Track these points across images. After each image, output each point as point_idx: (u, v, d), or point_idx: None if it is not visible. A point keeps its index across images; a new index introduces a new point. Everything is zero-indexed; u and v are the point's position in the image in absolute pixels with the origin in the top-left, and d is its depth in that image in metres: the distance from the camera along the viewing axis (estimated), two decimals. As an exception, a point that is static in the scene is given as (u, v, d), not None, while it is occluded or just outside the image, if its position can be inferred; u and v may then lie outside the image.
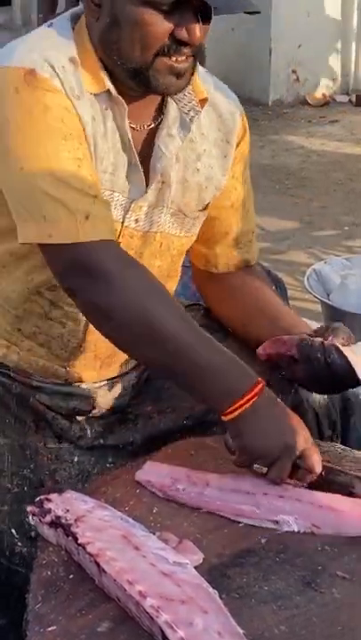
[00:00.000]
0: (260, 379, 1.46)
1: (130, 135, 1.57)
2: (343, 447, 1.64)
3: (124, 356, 1.73)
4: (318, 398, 1.72)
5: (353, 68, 7.53)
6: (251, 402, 1.42)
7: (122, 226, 1.61)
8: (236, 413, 1.42)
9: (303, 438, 1.43)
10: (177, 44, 1.46)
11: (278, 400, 1.48)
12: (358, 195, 5.29)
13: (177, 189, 1.64)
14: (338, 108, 7.28)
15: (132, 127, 1.58)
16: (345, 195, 5.31)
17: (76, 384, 1.74)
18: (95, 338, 1.63)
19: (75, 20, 1.57)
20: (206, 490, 1.43)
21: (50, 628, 1.25)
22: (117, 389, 1.77)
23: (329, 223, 4.82)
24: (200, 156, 1.65)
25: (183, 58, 1.48)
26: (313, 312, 3.34)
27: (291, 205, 5.13)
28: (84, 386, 1.74)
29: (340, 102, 7.42)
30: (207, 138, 1.66)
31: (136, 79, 1.51)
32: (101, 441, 1.76)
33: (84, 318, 1.62)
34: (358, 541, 1.38)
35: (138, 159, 1.58)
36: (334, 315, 3.13)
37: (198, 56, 1.54)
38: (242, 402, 1.42)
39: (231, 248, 1.79)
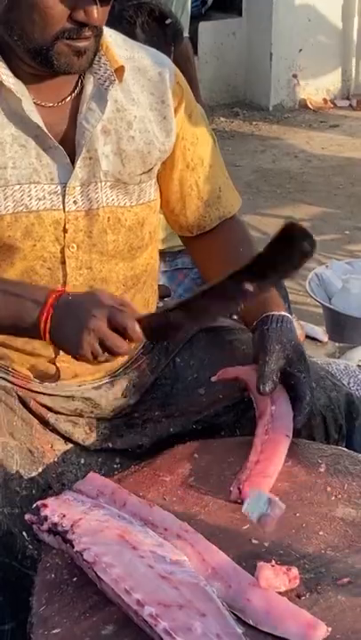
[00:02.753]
0: (50, 291, 1.52)
1: (40, 122, 1.56)
2: (348, 451, 1.64)
3: None
4: (324, 402, 1.72)
5: (353, 72, 7.53)
6: (48, 317, 1.49)
7: (64, 212, 1.61)
8: (47, 335, 1.50)
9: (102, 306, 1.47)
10: (76, 25, 1.48)
11: (74, 295, 1.53)
12: (359, 199, 5.30)
13: (114, 161, 1.63)
14: (339, 112, 7.28)
15: (48, 106, 1.59)
16: (346, 199, 5.31)
17: (75, 385, 1.74)
18: None
19: None
20: (122, 510, 1.43)
21: (54, 631, 1.25)
22: (118, 389, 1.77)
23: (330, 227, 4.82)
24: (131, 123, 1.64)
25: (84, 38, 1.50)
26: (315, 316, 3.34)
27: (292, 210, 5.14)
28: (83, 387, 1.74)
29: (341, 107, 7.42)
30: (139, 103, 1.65)
31: (37, 60, 1.52)
32: (110, 444, 1.76)
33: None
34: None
35: (55, 141, 1.58)
36: (336, 319, 3.14)
37: (100, 36, 1.55)
38: (42, 323, 1.49)
39: (200, 208, 1.78)
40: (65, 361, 1.69)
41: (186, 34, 5.29)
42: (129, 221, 1.68)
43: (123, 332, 1.47)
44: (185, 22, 5.31)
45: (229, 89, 7.22)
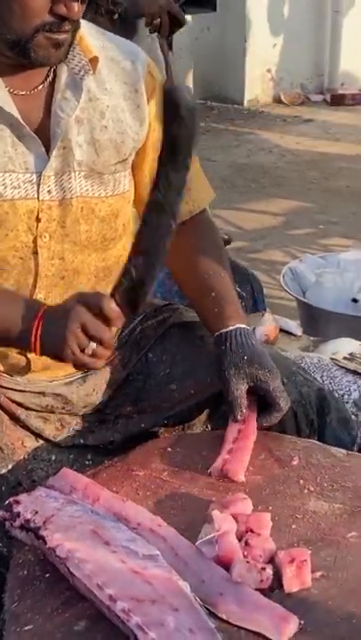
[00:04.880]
0: (39, 306, 1.55)
1: (14, 111, 1.55)
2: (321, 444, 1.65)
3: None
4: (295, 397, 1.72)
5: (327, 67, 7.57)
6: (39, 333, 1.53)
7: (38, 202, 1.61)
8: (37, 347, 1.54)
9: (76, 316, 1.50)
10: (57, 19, 1.49)
11: (55, 308, 1.56)
12: (333, 193, 5.32)
13: (88, 151, 1.63)
14: (313, 107, 7.31)
15: (21, 94, 1.58)
16: (320, 193, 5.33)
17: (46, 381, 1.73)
18: None
19: None
20: (95, 505, 1.42)
21: (26, 628, 1.24)
22: (90, 385, 1.77)
23: (304, 222, 4.84)
24: (103, 113, 1.64)
25: (63, 32, 1.51)
26: (289, 310, 3.35)
27: (266, 204, 5.15)
28: (54, 382, 1.74)
29: (315, 101, 7.45)
30: (112, 93, 1.66)
31: (15, 50, 1.52)
32: (81, 441, 1.75)
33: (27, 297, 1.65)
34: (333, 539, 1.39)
35: (30, 130, 1.58)
36: (310, 312, 3.15)
37: (77, 31, 1.56)
38: (33, 339, 1.53)
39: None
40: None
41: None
42: (103, 212, 1.68)
43: (102, 317, 1.50)
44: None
45: (204, 84, 7.22)
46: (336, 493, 1.49)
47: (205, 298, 1.73)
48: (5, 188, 1.58)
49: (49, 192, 1.61)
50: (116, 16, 3.08)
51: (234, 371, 1.61)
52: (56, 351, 1.53)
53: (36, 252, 1.62)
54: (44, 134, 1.59)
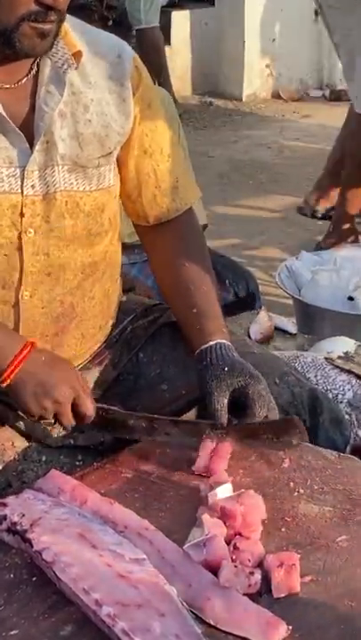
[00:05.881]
0: (28, 342, 1.59)
1: None
2: (311, 446, 1.63)
3: (72, 337, 1.74)
4: (287, 398, 1.71)
5: (327, 62, 7.54)
6: (18, 367, 1.56)
7: (22, 196, 1.59)
8: (7, 381, 1.57)
9: (74, 385, 1.58)
10: (42, 8, 1.47)
11: (47, 355, 1.61)
12: (331, 190, 5.29)
13: (71, 145, 1.62)
14: (312, 102, 7.29)
15: (4, 87, 1.57)
16: (318, 190, 5.30)
17: None
18: (29, 316, 1.66)
19: None
20: (82, 508, 1.41)
21: (12, 632, 1.23)
22: None
23: (302, 218, 4.82)
24: (87, 106, 1.63)
25: (49, 22, 1.50)
26: (285, 307, 3.34)
27: (264, 200, 5.13)
28: None
29: (314, 97, 7.43)
30: (96, 86, 1.65)
31: (0, 41, 1.51)
32: (71, 441, 1.73)
33: (12, 298, 1.65)
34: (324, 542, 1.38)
35: (13, 124, 1.57)
36: (305, 310, 3.13)
37: (62, 21, 1.55)
38: (10, 369, 1.56)
39: (157, 197, 1.77)
40: None
41: (155, 23, 5.30)
42: (88, 206, 1.67)
43: (75, 407, 1.59)
44: (154, 12, 5.30)
45: (202, 79, 7.20)
46: (326, 496, 1.47)
47: (187, 313, 1.73)
48: None
49: (32, 187, 1.59)
50: (110, 22, 3.07)
51: (215, 383, 1.61)
52: (20, 403, 1.59)
53: (20, 249, 1.61)
54: (26, 129, 1.58)
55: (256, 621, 1.22)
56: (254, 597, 1.26)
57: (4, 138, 1.57)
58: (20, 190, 1.59)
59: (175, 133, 1.84)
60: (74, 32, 1.62)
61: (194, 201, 1.84)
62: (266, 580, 1.29)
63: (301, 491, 1.49)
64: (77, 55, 1.61)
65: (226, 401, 1.61)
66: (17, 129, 1.57)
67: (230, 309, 2.81)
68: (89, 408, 1.59)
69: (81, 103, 1.63)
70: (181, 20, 7.11)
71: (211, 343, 1.67)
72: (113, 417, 1.62)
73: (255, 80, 7.25)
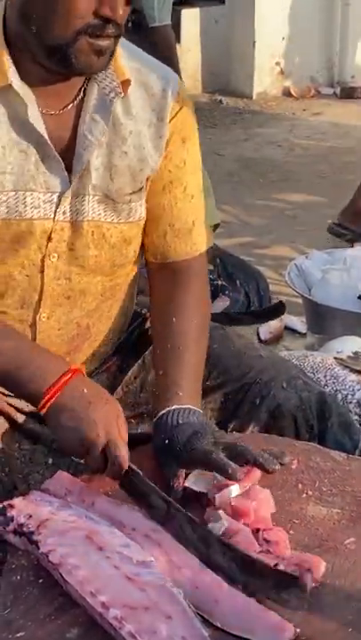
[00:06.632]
0: (71, 368, 1.50)
1: (44, 130, 1.52)
2: (320, 447, 1.62)
3: (84, 355, 1.72)
4: (295, 402, 1.70)
5: (337, 60, 7.51)
6: (55, 396, 1.48)
7: (53, 222, 1.58)
8: (45, 409, 1.49)
9: (110, 428, 1.45)
10: (101, 21, 1.44)
11: (89, 387, 1.50)
12: (342, 188, 5.26)
13: (104, 175, 1.58)
14: (322, 100, 7.26)
15: (50, 113, 1.54)
16: (329, 188, 5.29)
17: None
18: (45, 336, 1.64)
19: None
20: (90, 509, 1.40)
21: (18, 635, 1.23)
22: None
23: (313, 217, 4.80)
24: (125, 138, 1.59)
25: (107, 37, 1.46)
26: (295, 307, 3.32)
27: (274, 199, 5.12)
28: None
29: (325, 94, 7.40)
30: (137, 118, 1.60)
31: (55, 57, 1.47)
32: None
33: (30, 318, 1.63)
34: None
35: (55, 151, 1.54)
36: (315, 310, 3.12)
37: (120, 37, 1.51)
38: (47, 397, 1.48)
39: (168, 235, 1.70)
40: None
41: (168, 21, 5.29)
42: (114, 238, 1.64)
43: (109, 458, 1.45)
44: (167, 10, 5.30)
45: (212, 77, 7.18)
46: (335, 498, 1.47)
47: (157, 371, 1.65)
48: (25, 207, 1.55)
49: (64, 213, 1.58)
50: (130, 24, 3.05)
51: (163, 459, 1.52)
52: (55, 430, 1.50)
53: (42, 271, 1.60)
54: (66, 155, 1.56)
55: (263, 624, 1.22)
56: (261, 600, 1.26)
57: (44, 163, 1.54)
58: (52, 216, 1.57)
59: (203, 177, 1.76)
60: (124, 58, 1.57)
61: (205, 249, 1.76)
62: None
63: (310, 492, 1.48)
64: (125, 84, 1.56)
65: (176, 474, 1.49)
66: (58, 156, 1.54)
67: (259, 317, 2.81)
68: (122, 457, 1.44)
69: (119, 135, 1.59)
70: (191, 18, 7.09)
71: (162, 412, 1.55)
72: (136, 483, 1.45)
73: (265, 78, 7.23)
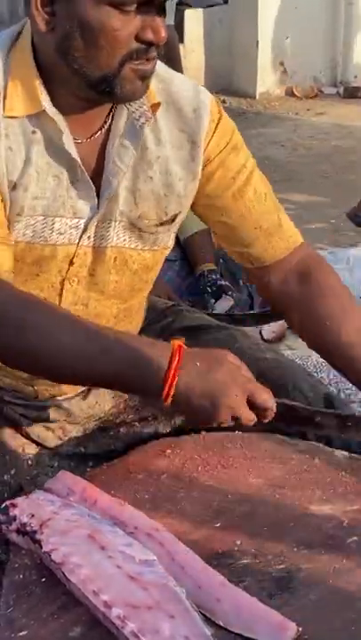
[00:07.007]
0: (175, 345, 1.42)
1: (77, 156, 1.50)
2: (323, 446, 1.62)
3: None
4: (301, 399, 1.69)
5: (341, 60, 7.52)
6: (174, 380, 1.40)
7: (77, 247, 1.56)
8: (169, 399, 1.41)
9: (241, 382, 1.42)
10: (143, 45, 1.40)
11: (198, 356, 1.43)
12: (345, 187, 5.28)
13: (128, 200, 1.57)
14: (326, 100, 7.27)
15: (78, 142, 1.52)
16: (332, 187, 5.30)
17: (50, 400, 1.71)
18: None
19: (14, 39, 1.50)
20: (92, 508, 1.40)
21: (21, 633, 1.23)
22: (92, 398, 1.73)
23: (316, 216, 4.80)
24: (151, 164, 1.56)
25: (149, 60, 1.43)
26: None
27: (277, 198, 5.10)
28: (57, 399, 1.71)
29: (328, 94, 7.41)
30: (166, 143, 1.57)
31: (99, 88, 1.44)
32: (82, 449, 1.72)
33: None
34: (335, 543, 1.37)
35: (88, 177, 1.52)
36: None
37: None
38: (167, 386, 1.40)
39: (261, 238, 1.69)
40: (43, 384, 1.66)
41: (170, 22, 5.30)
42: (136, 265, 1.63)
43: (257, 409, 1.44)
44: (170, 10, 5.31)
45: (215, 77, 7.19)
46: (337, 497, 1.47)
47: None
48: (52, 232, 1.53)
49: (88, 238, 1.56)
50: None
51: None
52: (191, 414, 1.44)
53: (60, 295, 1.59)
54: (95, 181, 1.54)
55: (266, 623, 1.21)
56: (264, 599, 1.26)
57: (73, 189, 1.52)
58: (77, 242, 1.56)
59: (258, 169, 1.75)
60: (154, 80, 1.52)
61: (301, 239, 1.75)
62: (275, 580, 1.28)
63: (313, 491, 1.48)
64: (155, 107, 1.53)
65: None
66: (90, 182, 1.52)
67: (262, 318, 2.80)
68: (268, 401, 1.44)
69: (145, 159, 1.56)
70: (194, 19, 7.10)
71: None
72: (297, 414, 1.48)
73: (268, 78, 7.24)
